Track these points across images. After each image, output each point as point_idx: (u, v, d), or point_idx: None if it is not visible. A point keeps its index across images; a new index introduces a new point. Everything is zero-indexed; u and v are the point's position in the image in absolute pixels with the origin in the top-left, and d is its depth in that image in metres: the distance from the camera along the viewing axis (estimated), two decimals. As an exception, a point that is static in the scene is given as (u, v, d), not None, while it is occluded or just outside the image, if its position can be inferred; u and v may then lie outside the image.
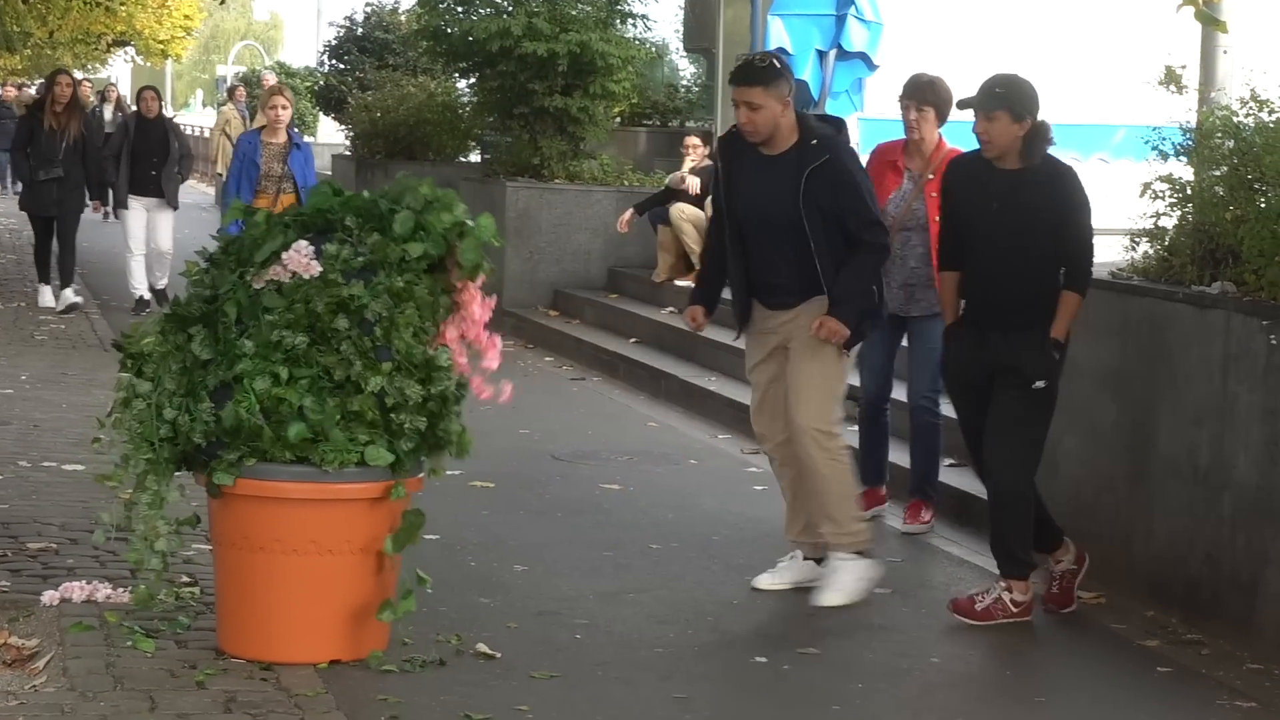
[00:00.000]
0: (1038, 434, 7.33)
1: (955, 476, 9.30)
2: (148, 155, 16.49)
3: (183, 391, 6.27)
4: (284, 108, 13.71)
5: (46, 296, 16.68)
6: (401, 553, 6.38)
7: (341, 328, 6.22)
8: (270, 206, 12.05)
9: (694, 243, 14.97)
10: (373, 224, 6.41)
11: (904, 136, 8.93)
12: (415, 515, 6.36)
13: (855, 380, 8.72)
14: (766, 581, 7.78)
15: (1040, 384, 7.22)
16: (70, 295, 16.43)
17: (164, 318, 6.43)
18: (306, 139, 15.45)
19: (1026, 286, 7.25)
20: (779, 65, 7.68)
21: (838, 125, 7.89)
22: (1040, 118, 7.22)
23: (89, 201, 16.83)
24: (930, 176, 8.73)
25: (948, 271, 7.57)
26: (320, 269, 6.27)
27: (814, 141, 7.59)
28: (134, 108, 18.76)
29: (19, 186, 18.25)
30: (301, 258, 6.30)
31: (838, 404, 7.72)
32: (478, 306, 6.50)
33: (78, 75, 27.87)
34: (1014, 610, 7.28)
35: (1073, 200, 7.23)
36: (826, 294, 7.57)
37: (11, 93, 34.72)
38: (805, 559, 7.80)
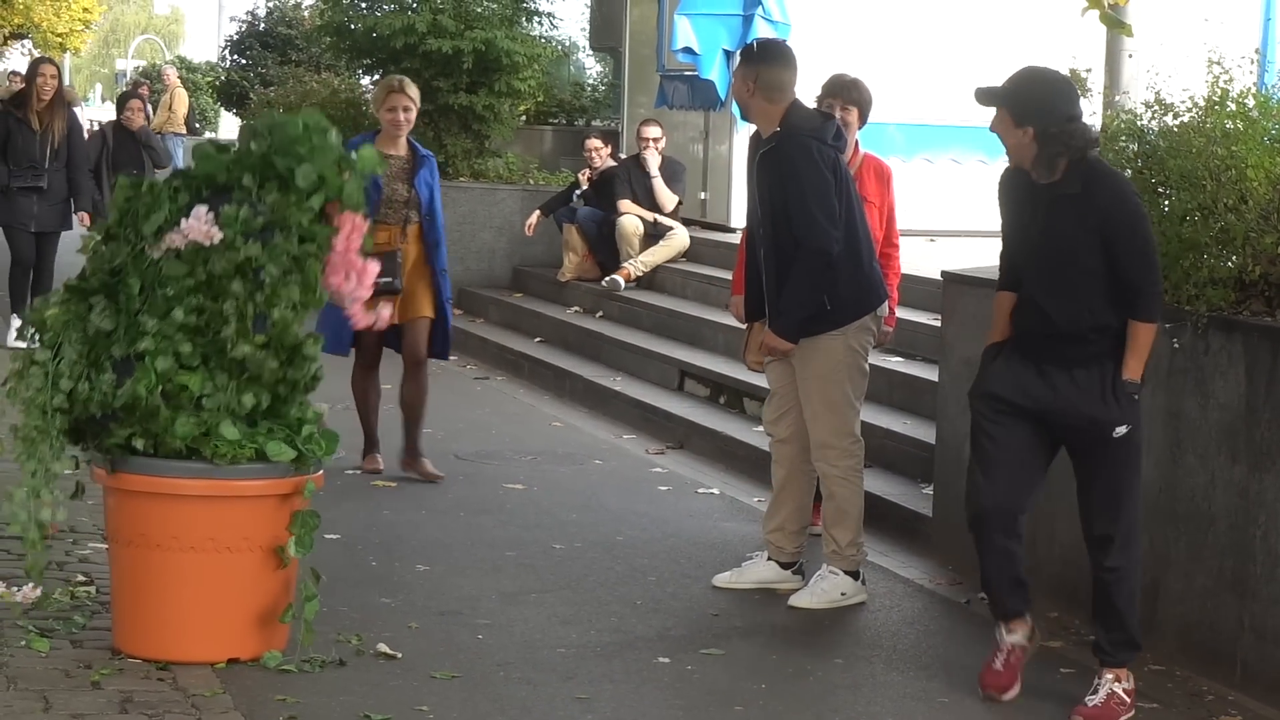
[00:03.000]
0: (1139, 491, 6.47)
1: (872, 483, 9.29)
2: (128, 169, 14.42)
3: (85, 361, 6.16)
4: (407, 109, 9.68)
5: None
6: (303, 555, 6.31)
7: (235, 291, 6.14)
8: (396, 243, 9.63)
9: (632, 248, 14.99)
10: (270, 181, 6.30)
11: None
12: (311, 516, 6.29)
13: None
14: (724, 579, 7.81)
15: (1121, 430, 6.30)
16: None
17: (65, 288, 6.30)
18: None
19: (1077, 316, 6.29)
20: (755, 50, 7.73)
21: (825, 117, 7.75)
22: (1070, 122, 6.26)
23: (75, 214, 14.29)
24: None
25: (1002, 292, 6.65)
26: (220, 235, 6.16)
27: (777, 129, 7.48)
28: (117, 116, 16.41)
29: None
30: (202, 225, 6.17)
31: (853, 417, 7.67)
32: (355, 234, 6.40)
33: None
34: (1129, 702, 6.45)
35: (1121, 212, 6.25)
36: (767, 302, 7.57)
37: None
38: (769, 559, 7.83)
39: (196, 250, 6.15)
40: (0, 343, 13.23)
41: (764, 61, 7.55)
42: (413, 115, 9.71)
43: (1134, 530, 6.44)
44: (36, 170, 13.84)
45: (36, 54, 44.92)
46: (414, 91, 9.75)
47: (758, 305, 7.73)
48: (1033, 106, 6.26)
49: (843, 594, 7.62)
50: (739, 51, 7.75)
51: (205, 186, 6.32)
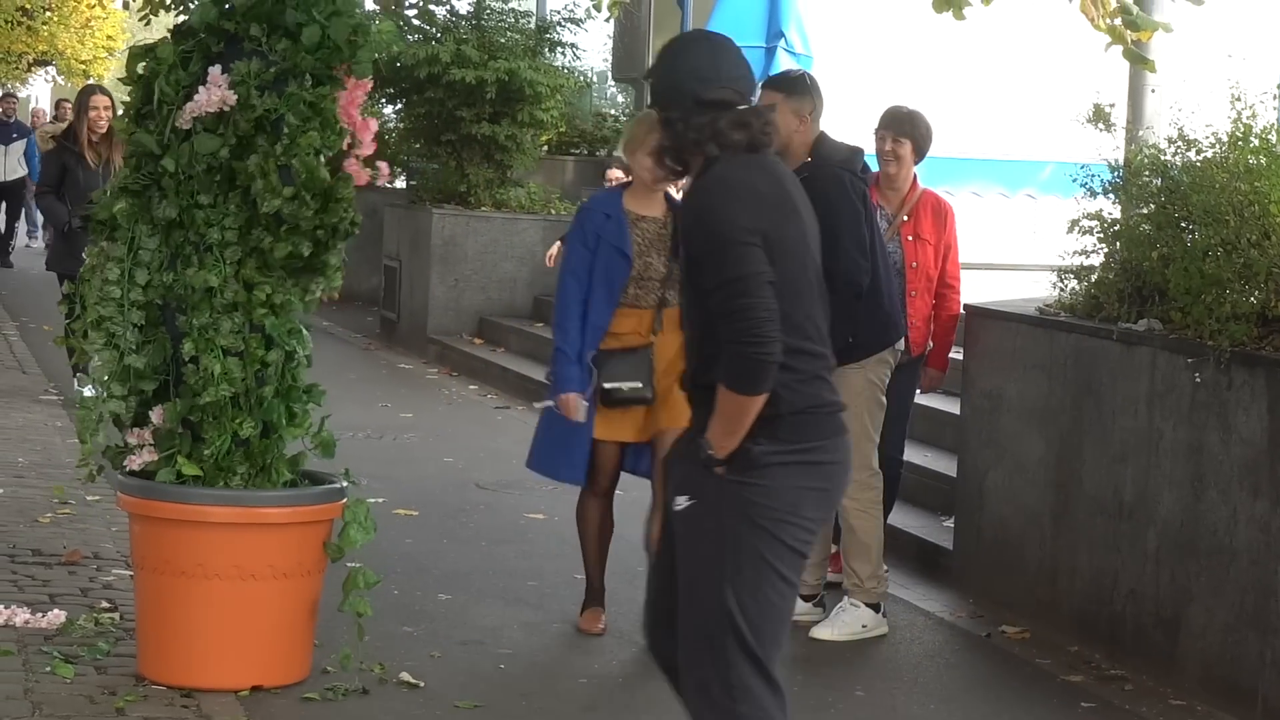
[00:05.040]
0: (715, 604, 4.56)
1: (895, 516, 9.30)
2: None
3: (163, 251, 6.21)
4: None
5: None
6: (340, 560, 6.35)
7: (260, 145, 6.15)
8: (647, 334, 7.27)
9: None
10: (279, 31, 6.25)
11: (874, 172, 8.21)
12: (359, 504, 6.36)
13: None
14: None
15: (680, 502, 4.66)
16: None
17: (120, 186, 6.31)
18: None
19: (689, 349, 4.84)
20: (808, 83, 7.59)
21: (853, 150, 7.56)
22: (702, 107, 4.67)
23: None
24: (905, 218, 8.32)
25: None
26: (235, 97, 6.15)
27: (809, 159, 7.33)
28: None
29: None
30: (215, 93, 6.15)
31: (871, 450, 7.60)
32: (359, 89, 6.36)
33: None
34: None
35: (697, 235, 4.67)
36: None
37: (41, 119, 27.96)
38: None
39: (218, 117, 6.17)
40: (71, 397, 11.68)
41: (817, 92, 7.52)
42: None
43: (698, 649, 4.59)
44: None
45: (60, 81, 45.12)
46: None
47: None
48: (661, 86, 4.78)
49: (864, 626, 7.60)
50: (772, 82, 7.59)
51: (215, 43, 6.27)
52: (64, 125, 14.61)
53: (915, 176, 8.41)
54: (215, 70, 6.20)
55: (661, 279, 7.22)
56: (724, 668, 4.53)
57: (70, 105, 24.05)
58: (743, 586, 4.51)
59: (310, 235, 6.21)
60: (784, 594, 4.58)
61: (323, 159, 6.20)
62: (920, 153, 8.30)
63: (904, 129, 8.23)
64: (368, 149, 6.38)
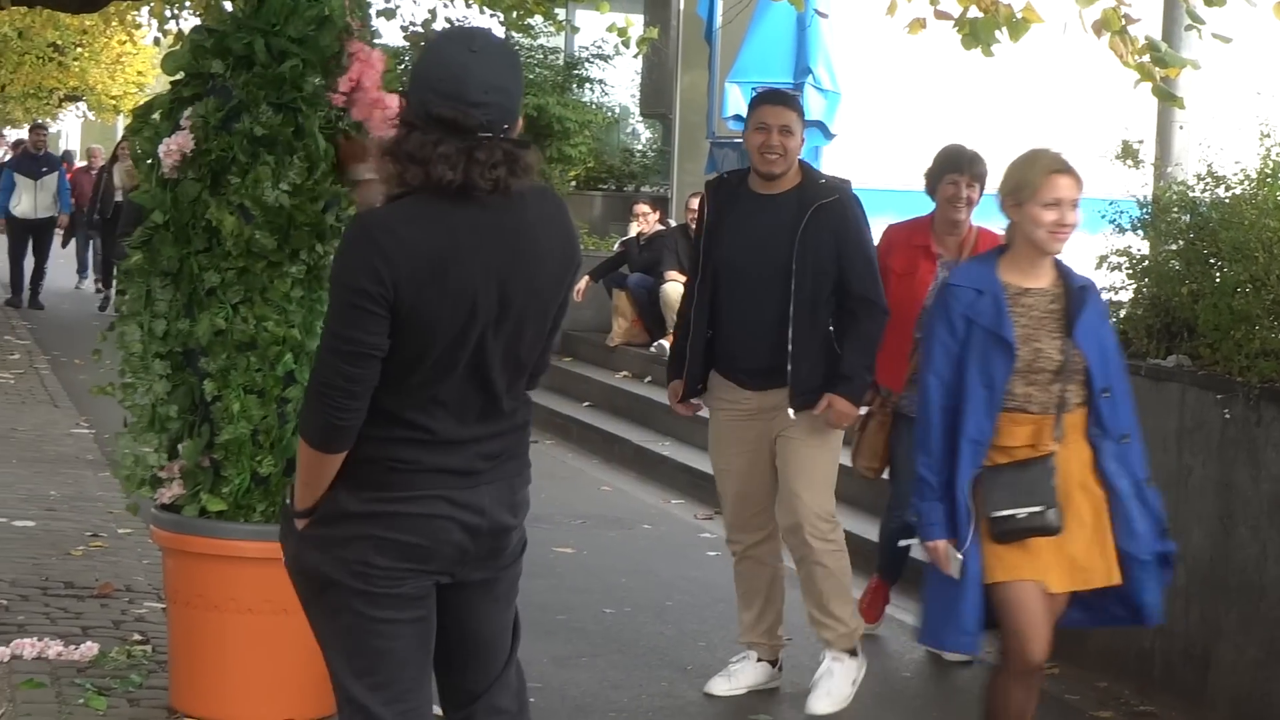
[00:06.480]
0: (335, 667, 4.56)
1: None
2: None
3: (178, 300, 6.20)
4: (1074, 202, 5.63)
5: None
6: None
7: (230, 184, 6.08)
8: (1045, 443, 5.55)
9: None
10: (243, 62, 6.13)
11: (922, 216, 7.94)
12: None
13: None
14: (723, 688, 7.17)
15: None
16: None
17: (134, 238, 6.31)
18: None
19: None
20: (798, 98, 7.40)
21: (846, 183, 7.30)
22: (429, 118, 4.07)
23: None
24: None
25: None
26: (192, 142, 6.08)
27: (822, 181, 7.06)
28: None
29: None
30: (176, 139, 6.08)
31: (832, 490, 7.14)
32: (369, 68, 6.14)
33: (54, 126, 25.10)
34: None
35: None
36: (789, 373, 6.86)
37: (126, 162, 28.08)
38: (759, 660, 7.25)
39: (191, 161, 6.12)
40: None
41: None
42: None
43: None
44: None
45: (90, 116, 45.32)
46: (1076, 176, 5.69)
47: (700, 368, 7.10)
48: (408, 84, 4.17)
49: (854, 682, 7.07)
50: (780, 99, 7.17)
51: (200, 85, 6.21)
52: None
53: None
54: (185, 115, 6.15)
55: (1055, 369, 5.54)
56: None
57: (99, 150, 23.97)
58: None
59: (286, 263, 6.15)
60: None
61: (282, 188, 6.04)
62: (981, 193, 7.76)
63: (976, 171, 7.73)
64: (378, 129, 6.01)
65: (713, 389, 7.17)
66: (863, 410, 7.65)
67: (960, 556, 5.48)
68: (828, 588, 7.01)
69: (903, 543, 6.32)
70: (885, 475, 8.01)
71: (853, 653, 7.09)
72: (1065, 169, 5.58)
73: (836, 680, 7.04)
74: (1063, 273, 5.68)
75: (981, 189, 7.71)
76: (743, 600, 7.28)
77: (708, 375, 7.15)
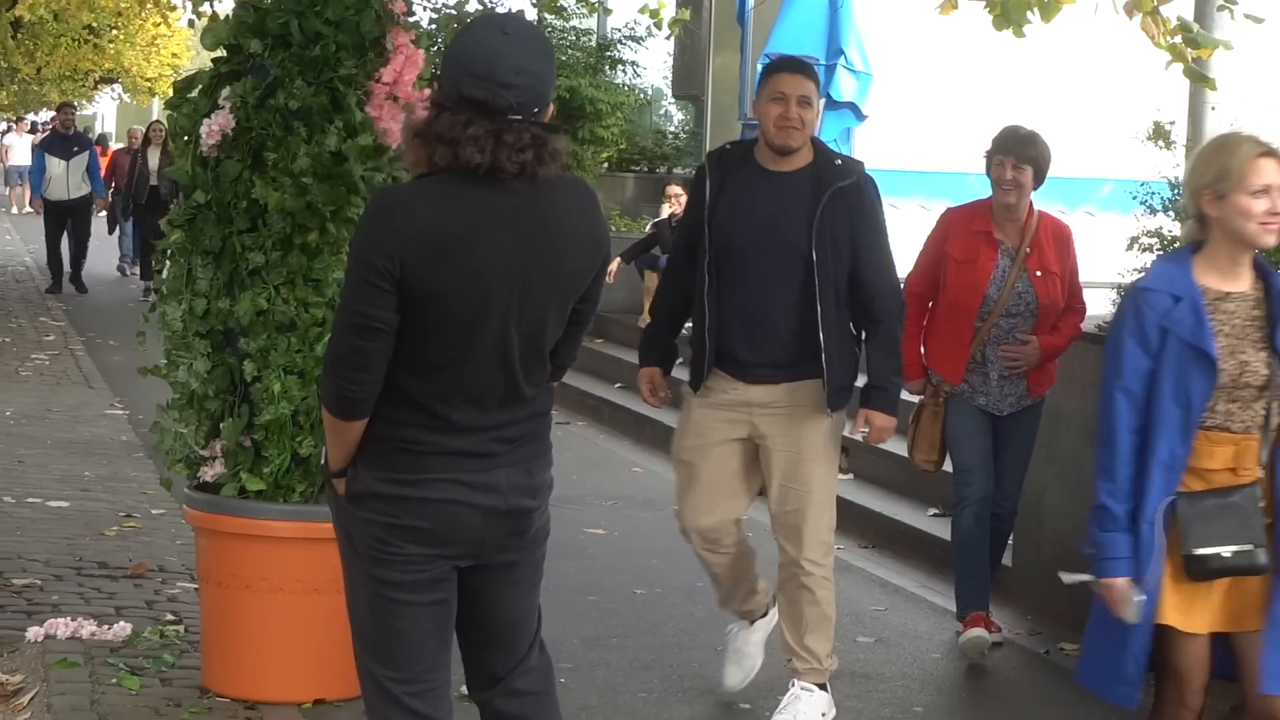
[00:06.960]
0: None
1: (940, 526, 9.32)
2: None
3: (219, 279, 6.21)
4: None
5: None
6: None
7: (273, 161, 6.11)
8: (1246, 471, 4.94)
9: None
10: (280, 43, 6.15)
11: (982, 199, 7.59)
12: None
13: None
14: (737, 677, 6.87)
15: None
16: None
17: (172, 219, 6.33)
18: None
19: None
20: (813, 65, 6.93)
21: (860, 164, 6.63)
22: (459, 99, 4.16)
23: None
24: (1029, 250, 7.41)
25: None
26: (233, 122, 6.11)
27: (838, 161, 6.49)
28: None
29: None
30: (217, 120, 6.11)
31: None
32: (410, 65, 6.13)
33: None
34: None
35: None
36: (825, 369, 6.32)
37: (137, 138, 25.10)
38: (752, 622, 6.90)
39: (234, 141, 6.15)
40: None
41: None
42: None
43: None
44: None
45: (126, 99, 45.45)
46: None
47: (674, 351, 6.87)
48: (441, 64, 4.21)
49: (823, 715, 6.52)
50: (798, 66, 6.59)
51: (240, 62, 6.22)
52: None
53: (1031, 203, 7.50)
54: (224, 93, 6.17)
55: (1262, 385, 4.94)
56: None
57: (139, 131, 23.62)
58: None
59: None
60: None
61: (317, 152, 6.03)
62: (1040, 178, 7.40)
63: (1026, 153, 7.33)
64: (394, 138, 6.04)
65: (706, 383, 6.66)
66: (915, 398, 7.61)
67: (1142, 598, 4.86)
68: (811, 617, 6.46)
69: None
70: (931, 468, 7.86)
71: (823, 687, 6.54)
72: (1271, 152, 4.90)
73: (804, 706, 6.47)
74: (1262, 272, 5.01)
75: (1037, 172, 7.36)
76: (714, 582, 6.89)
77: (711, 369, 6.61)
